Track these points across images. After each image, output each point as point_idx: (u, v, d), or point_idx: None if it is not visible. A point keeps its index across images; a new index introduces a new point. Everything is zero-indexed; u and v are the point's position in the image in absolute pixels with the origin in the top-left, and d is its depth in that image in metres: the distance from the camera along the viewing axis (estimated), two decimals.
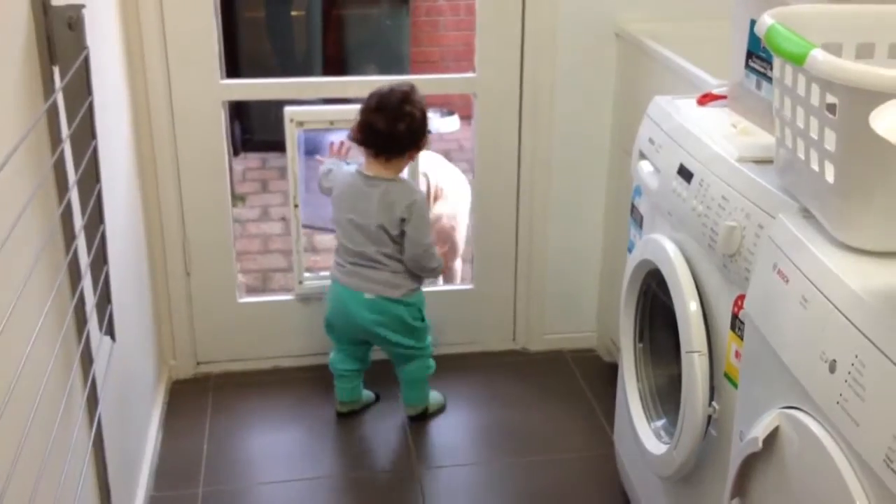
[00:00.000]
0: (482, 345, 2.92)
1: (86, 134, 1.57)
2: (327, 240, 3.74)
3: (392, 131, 2.31)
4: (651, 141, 1.97)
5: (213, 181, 2.64)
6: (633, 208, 2.10)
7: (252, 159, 4.76)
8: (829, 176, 1.32)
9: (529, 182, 2.76)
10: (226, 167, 2.65)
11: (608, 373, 2.77)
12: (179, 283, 2.70)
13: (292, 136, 2.61)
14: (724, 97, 1.96)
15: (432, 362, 2.55)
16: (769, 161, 1.61)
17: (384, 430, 2.58)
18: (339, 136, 2.57)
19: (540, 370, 2.86)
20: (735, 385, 1.61)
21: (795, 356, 1.32)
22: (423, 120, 2.35)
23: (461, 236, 3.33)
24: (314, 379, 2.77)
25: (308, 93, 2.75)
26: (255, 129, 4.72)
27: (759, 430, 1.35)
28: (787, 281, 1.37)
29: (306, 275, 2.77)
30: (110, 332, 1.69)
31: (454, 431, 2.60)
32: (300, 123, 2.61)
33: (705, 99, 1.99)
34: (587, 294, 2.90)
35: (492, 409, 2.69)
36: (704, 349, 1.69)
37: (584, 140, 2.73)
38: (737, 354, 1.61)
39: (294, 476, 2.40)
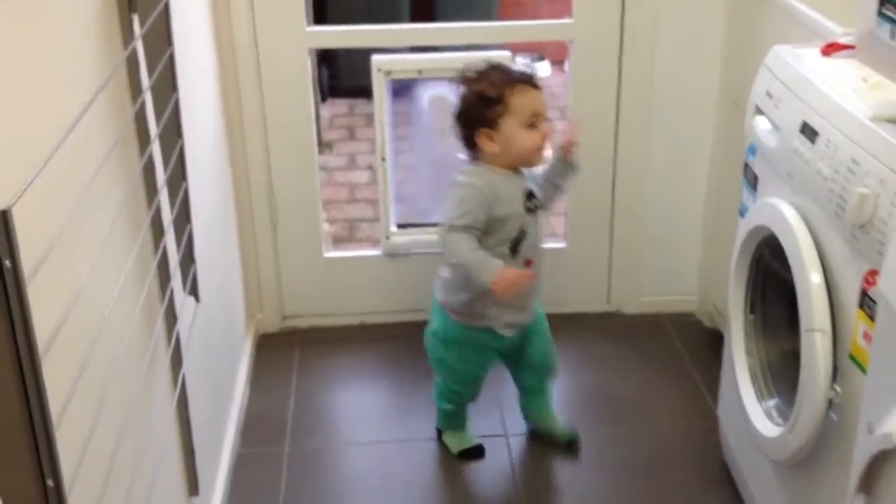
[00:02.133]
0: (574, 306, 2.80)
1: (167, 85, 1.50)
2: (408, 189, 3.62)
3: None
4: (769, 95, 1.81)
5: (299, 132, 2.56)
6: (747, 168, 1.94)
7: (339, 105, 4.67)
8: None
9: (628, 135, 2.61)
10: (312, 117, 2.57)
11: (709, 339, 2.64)
12: (266, 235, 2.65)
13: (380, 85, 2.50)
14: (851, 47, 1.78)
15: (442, 405, 2.25)
16: None
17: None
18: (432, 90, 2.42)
19: (636, 334, 2.73)
20: (863, 369, 1.46)
21: None
22: (475, 99, 1.99)
23: None
24: (402, 337, 2.70)
25: (396, 40, 2.64)
26: (342, 75, 4.62)
27: (894, 426, 1.22)
28: None
29: (393, 230, 2.69)
30: (194, 292, 1.64)
31: None
32: (388, 72, 2.51)
33: (830, 49, 1.81)
34: (688, 255, 2.75)
35: (585, 374, 2.58)
36: (828, 328, 1.54)
37: (689, 91, 2.56)
38: (865, 336, 1.46)
39: (380, 437, 2.35)
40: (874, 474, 1.31)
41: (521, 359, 2.22)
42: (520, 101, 1.97)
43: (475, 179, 1.99)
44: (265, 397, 2.47)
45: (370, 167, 4.05)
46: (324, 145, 4.30)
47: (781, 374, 1.83)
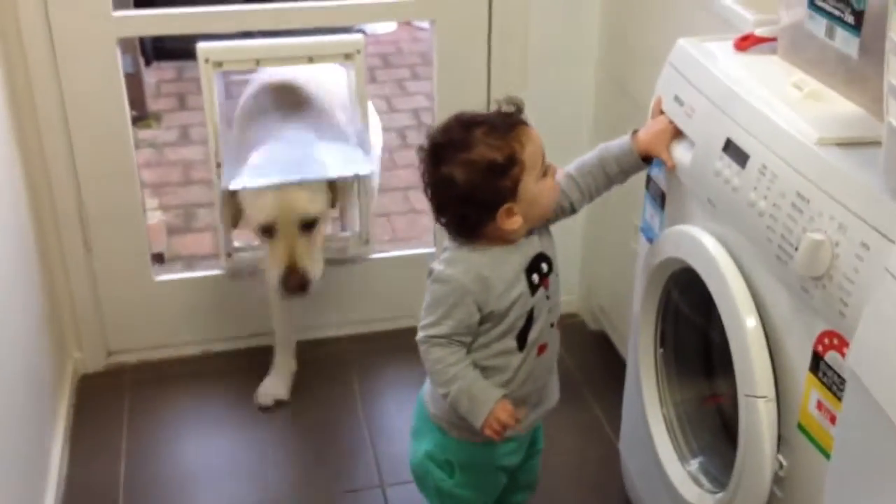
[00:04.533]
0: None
1: None
2: None
3: None
4: (679, 101, 1.53)
5: (112, 138, 2.12)
6: (650, 182, 1.67)
7: (167, 69, 4.16)
8: None
9: None
10: (127, 119, 2.13)
11: (595, 343, 2.43)
12: (78, 260, 2.22)
13: (209, 79, 2.08)
14: (771, 40, 1.52)
15: None
16: (857, 144, 1.20)
17: (345, 438, 2.15)
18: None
19: None
20: (816, 444, 1.23)
21: None
22: (479, 175, 1.43)
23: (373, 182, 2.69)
24: (253, 366, 2.33)
25: (225, 25, 2.17)
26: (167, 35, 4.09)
27: None
28: None
29: (236, 244, 2.30)
30: None
31: None
32: (218, 64, 2.09)
33: (745, 43, 1.55)
34: (569, 253, 2.46)
35: None
36: (772, 393, 1.29)
37: (564, 76, 2.29)
38: (819, 406, 1.22)
39: (233, 499, 1.98)
40: None
41: (514, 475, 1.69)
42: (529, 150, 1.44)
43: (458, 271, 1.45)
44: (89, 460, 2.06)
45: (206, 142, 3.60)
46: (151, 117, 3.81)
47: (701, 424, 1.60)
